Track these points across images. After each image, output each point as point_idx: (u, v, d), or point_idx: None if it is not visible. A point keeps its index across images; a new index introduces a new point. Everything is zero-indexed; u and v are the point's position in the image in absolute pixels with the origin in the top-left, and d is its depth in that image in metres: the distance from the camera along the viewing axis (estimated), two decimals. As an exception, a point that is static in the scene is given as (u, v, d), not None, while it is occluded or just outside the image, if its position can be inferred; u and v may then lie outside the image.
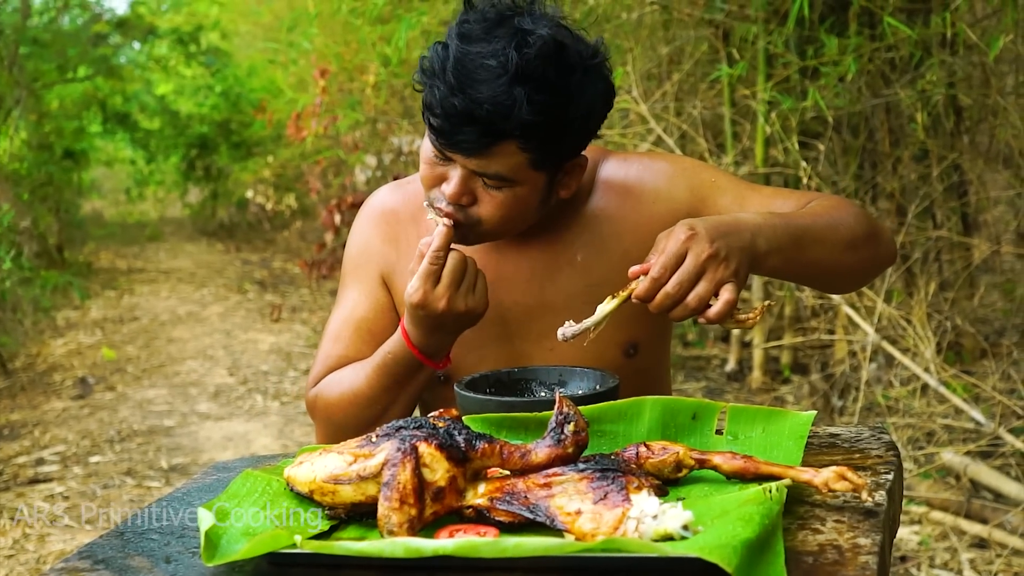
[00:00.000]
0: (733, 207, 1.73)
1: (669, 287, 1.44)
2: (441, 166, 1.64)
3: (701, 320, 1.45)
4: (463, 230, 1.66)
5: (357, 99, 6.95)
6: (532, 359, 1.78)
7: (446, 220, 1.57)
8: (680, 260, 1.44)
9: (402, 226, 1.86)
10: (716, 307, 1.44)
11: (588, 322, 1.48)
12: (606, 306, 1.48)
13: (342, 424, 1.76)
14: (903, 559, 3.55)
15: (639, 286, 1.46)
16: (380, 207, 1.91)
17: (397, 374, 1.69)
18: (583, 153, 1.71)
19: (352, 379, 1.75)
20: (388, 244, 1.87)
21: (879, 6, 4.11)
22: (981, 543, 3.57)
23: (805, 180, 4.28)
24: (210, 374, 6.69)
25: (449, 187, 1.63)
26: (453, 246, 1.62)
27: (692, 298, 1.44)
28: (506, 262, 1.79)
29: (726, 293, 1.44)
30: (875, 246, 1.70)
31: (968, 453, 3.85)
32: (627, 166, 1.81)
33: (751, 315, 1.46)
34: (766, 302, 1.53)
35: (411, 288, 1.58)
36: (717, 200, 1.76)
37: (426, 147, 1.66)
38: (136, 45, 14.53)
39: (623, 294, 1.47)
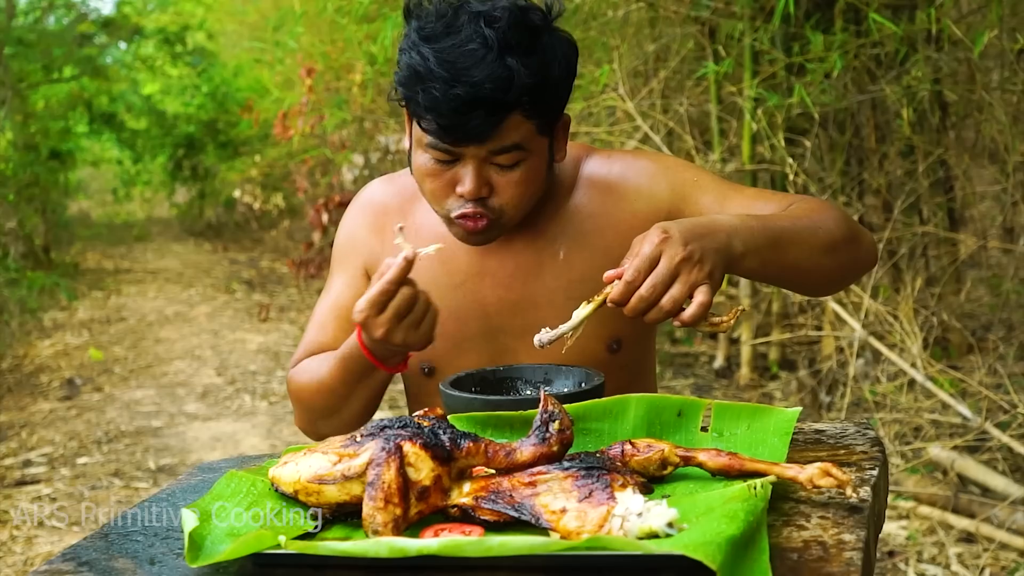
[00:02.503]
0: (714, 207, 1.74)
1: (643, 290, 1.43)
2: (448, 171, 1.65)
3: (676, 323, 1.44)
4: (490, 229, 1.69)
5: (344, 98, 6.94)
6: (516, 354, 1.78)
7: (409, 252, 1.51)
8: (654, 263, 1.44)
9: (389, 218, 1.87)
10: (690, 310, 1.43)
11: (564, 328, 1.47)
12: (581, 311, 1.47)
13: (310, 407, 1.82)
14: (891, 554, 3.56)
15: (613, 290, 1.46)
16: (369, 199, 1.92)
17: (354, 370, 1.69)
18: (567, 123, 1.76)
19: (319, 367, 1.78)
20: (374, 235, 1.88)
21: (864, 2, 4.12)
22: (969, 537, 3.58)
23: (792, 176, 4.28)
24: (198, 374, 6.68)
25: (467, 184, 1.63)
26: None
27: (666, 300, 1.43)
28: (490, 257, 1.80)
29: (700, 295, 1.43)
30: (855, 249, 1.70)
31: (955, 448, 3.86)
32: (610, 163, 1.82)
33: (725, 319, 1.46)
34: (739, 307, 1.53)
35: (357, 307, 1.55)
36: (699, 199, 1.76)
37: (423, 161, 1.67)
38: (122, 45, 14.50)
39: (598, 299, 1.47)
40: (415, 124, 1.65)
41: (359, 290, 1.84)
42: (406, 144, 1.76)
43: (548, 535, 1.14)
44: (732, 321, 1.47)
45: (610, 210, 1.79)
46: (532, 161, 1.66)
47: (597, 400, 1.45)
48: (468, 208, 1.65)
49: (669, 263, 1.43)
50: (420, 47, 1.58)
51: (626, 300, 1.45)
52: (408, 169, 1.84)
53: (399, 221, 1.83)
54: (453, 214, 1.67)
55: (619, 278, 1.45)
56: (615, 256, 1.57)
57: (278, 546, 1.13)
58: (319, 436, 1.80)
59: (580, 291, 1.71)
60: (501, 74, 1.55)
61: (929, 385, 3.87)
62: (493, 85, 1.55)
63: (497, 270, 1.79)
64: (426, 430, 1.21)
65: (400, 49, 1.63)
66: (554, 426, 1.24)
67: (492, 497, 1.19)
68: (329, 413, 1.78)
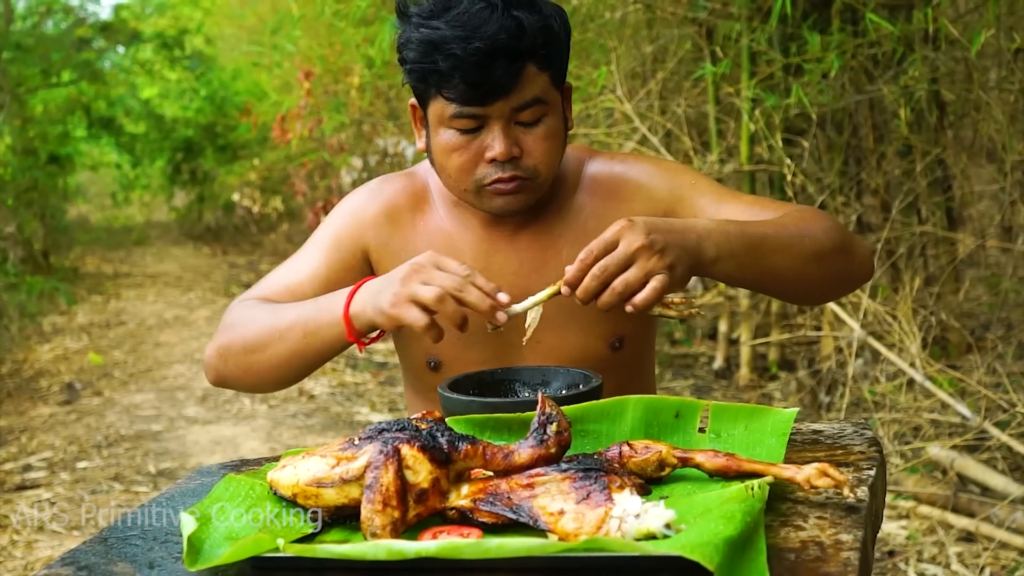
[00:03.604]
0: (710, 209, 1.76)
1: (594, 269, 1.45)
2: (474, 141, 1.68)
3: (628, 308, 1.45)
4: (524, 191, 1.71)
5: (342, 101, 6.94)
6: (520, 351, 1.79)
7: (503, 317, 1.49)
8: (611, 247, 1.46)
9: (401, 212, 1.88)
10: (642, 293, 1.44)
11: (517, 307, 1.49)
12: (540, 295, 1.50)
13: (241, 339, 1.73)
14: (891, 554, 3.56)
15: (567, 273, 1.47)
16: (381, 187, 1.92)
17: (316, 324, 1.63)
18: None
19: (276, 308, 1.73)
20: (385, 221, 1.87)
21: (861, 3, 4.12)
22: (968, 537, 3.58)
23: (790, 177, 4.28)
24: (197, 378, 6.67)
25: (497, 146, 1.67)
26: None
27: (619, 282, 1.44)
28: (496, 254, 1.82)
29: (654, 282, 1.44)
30: (845, 261, 1.70)
31: (955, 447, 3.86)
32: (612, 164, 1.86)
33: (677, 300, 1.47)
34: (695, 302, 1.53)
35: (429, 256, 1.51)
36: (695, 201, 1.79)
37: (447, 138, 1.70)
38: (120, 49, 14.50)
39: (556, 284, 1.48)
40: (436, 101, 1.68)
41: (345, 267, 1.84)
42: (420, 144, 1.80)
43: (546, 537, 1.14)
44: (689, 311, 1.47)
45: (611, 210, 1.81)
46: (552, 118, 1.71)
47: (595, 402, 1.45)
48: (502, 172, 1.69)
49: (626, 248, 1.45)
50: (428, 23, 1.63)
51: (578, 282, 1.46)
52: (413, 168, 1.90)
53: (408, 215, 1.87)
54: (486, 181, 1.70)
55: None
56: None
57: (276, 549, 1.13)
58: (225, 372, 1.76)
59: None
60: (512, 25, 1.61)
61: (928, 385, 3.87)
62: (507, 35, 1.61)
63: (503, 266, 1.81)
64: (424, 433, 1.21)
65: (403, 41, 1.68)
66: (552, 428, 1.24)
67: (490, 499, 1.19)
68: (256, 352, 1.71)
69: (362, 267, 1.86)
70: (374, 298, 1.53)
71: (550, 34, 1.66)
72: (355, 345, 1.63)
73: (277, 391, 1.93)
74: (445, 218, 1.85)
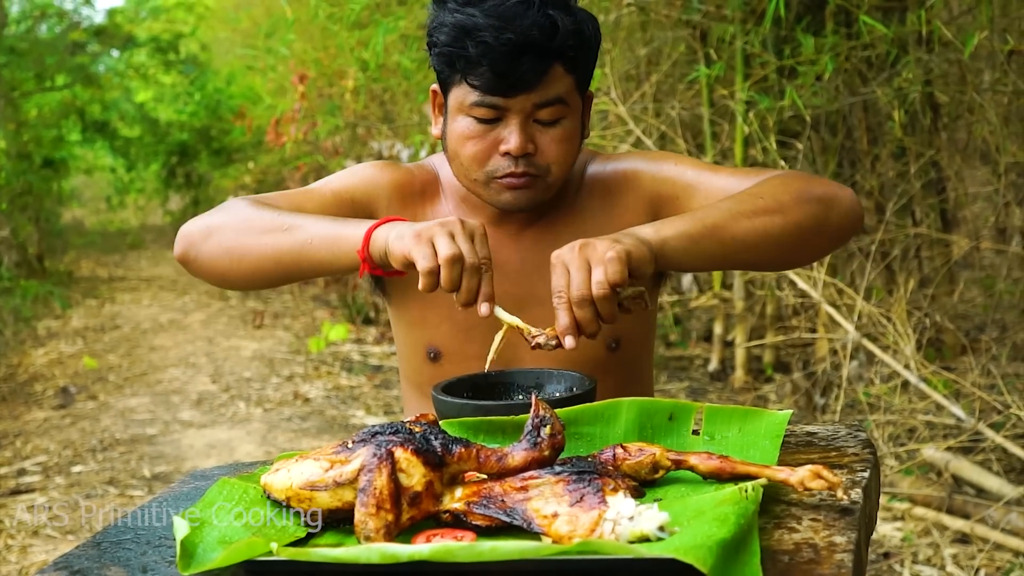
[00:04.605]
0: (694, 183, 1.80)
1: (573, 299, 1.46)
2: (491, 132, 1.69)
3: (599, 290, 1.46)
4: (534, 187, 1.73)
5: (336, 104, 6.95)
6: (517, 348, 1.79)
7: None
8: (565, 273, 1.48)
9: (412, 195, 1.88)
10: (609, 267, 1.45)
11: (502, 313, 1.51)
12: (518, 321, 1.52)
13: (239, 219, 1.70)
14: (886, 555, 3.56)
15: (557, 321, 1.48)
16: (393, 166, 1.91)
17: (335, 231, 1.62)
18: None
19: (286, 211, 1.70)
20: (396, 196, 1.87)
21: (855, 5, 4.12)
22: (963, 538, 3.58)
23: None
24: (192, 382, 6.67)
25: (512, 141, 1.68)
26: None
27: (595, 284, 1.45)
28: (500, 250, 1.82)
29: (611, 255, 1.45)
30: (816, 211, 1.67)
31: (949, 449, 3.86)
32: (605, 164, 1.89)
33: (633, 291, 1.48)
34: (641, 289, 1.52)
35: (450, 223, 1.51)
36: (678, 179, 1.82)
37: (465, 125, 1.71)
38: (115, 53, 14.50)
39: (527, 327, 1.51)
40: (459, 87, 1.69)
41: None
42: (435, 131, 1.81)
43: (540, 540, 1.14)
44: (635, 291, 1.48)
45: (609, 210, 1.84)
46: (571, 121, 1.73)
47: (588, 404, 1.45)
48: (515, 167, 1.70)
49: (572, 258, 1.48)
50: (463, 9, 1.64)
51: (574, 325, 1.47)
52: (420, 162, 1.91)
53: (419, 200, 1.88)
54: (498, 174, 1.71)
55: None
56: None
57: (270, 553, 1.13)
58: (201, 247, 1.72)
59: None
60: (546, 22, 1.63)
61: (923, 386, 3.87)
62: (540, 32, 1.62)
63: (505, 264, 1.81)
64: (417, 436, 1.21)
65: (436, 24, 1.69)
66: (545, 431, 1.24)
67: (484, 502, 1.19)
68: (249, 232, 1.68)
69: None
70: (398, 230, 1.53)
71: (581, 38, 1.68)
72: (356, 272, 1.61)
73: (235, 290, 1.88)
74: (452, 211, 1.86)
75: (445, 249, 1.46)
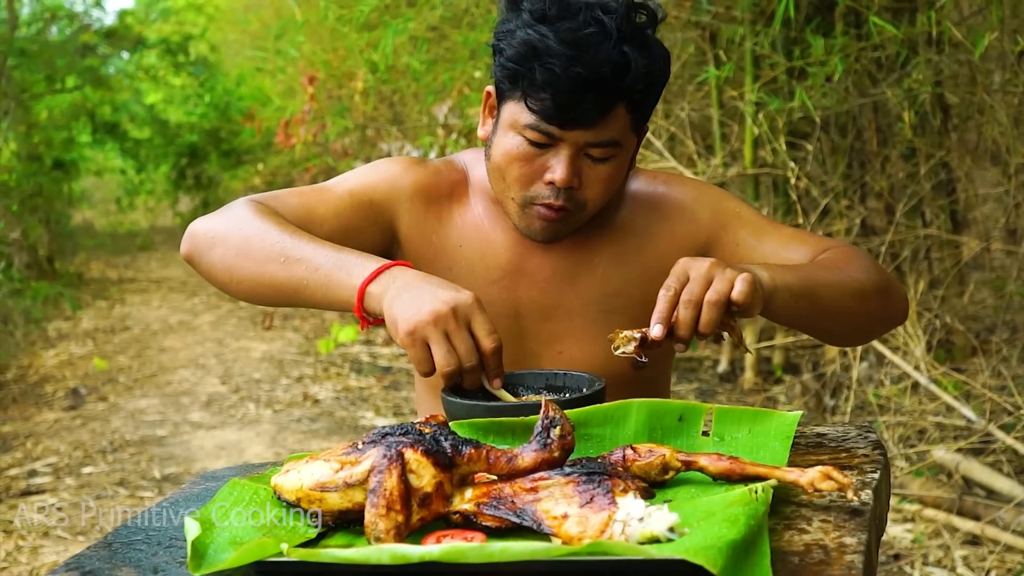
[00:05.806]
0: (751, 239, 1.76)
1: (684, 297, 1.44)
2: (539, 157, 1.65)
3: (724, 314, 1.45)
4: (565, 221, 1.69)
5: (346, 106, 6.95)
6: (540, 360, 1.78)
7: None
8: (684, 280, 1.45)
9: (438, 196, 1.83)
10: (737, 287, 1.43)
11: (506, 395, 1.52)
12: (626, 347, 1.49)
13: (241, 236, 1.63)
14: (896, 557, 3.56)
15: (654, 313, 1.46)
16: (417, 164, 1.85)
17: (332, 275, 1.53)
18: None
19: (292, 231, 1.61)
20: (420, 197, 1.81)
21: (864, 6, 4.12)
22: (974, 540, 3.57)
23: (793, 180, 4.29)
24: (202, 383, 6.68)
25: (560, 172, 1.63)
26: None
27: (712, 293, 1.43)
28: (530, 258, 1.79)
29: (740, 282, 1.44)
30: (885, 300, 1.69)
31: (959, 450, 3.86)
32: (655, 183, 1.84)
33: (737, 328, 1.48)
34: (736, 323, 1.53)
35: (460, 293, 1.45)
36: (737, 229, 1.78)
37: (514, 144, 1.65)
38: (125, 55, 14.53)
39: (633, 336, 1.49)
40: (516, 104, 1.64)
41: (371, 222, 1.77)
42: (482, 132, 1.75)
43: (550, 541, 1.14)
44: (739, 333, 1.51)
45: (651, 229, 1.80)
46: (621, 159, 1.69)
47: (598, 405, 1.45)
48: (555, 199, 1.65)
49: (700, 270, 1.45)
50: (536, 26, 1.58)
51: (668, 318, 1.44)
52: (448, 158, 1.87)
53: (446, 203, 1.82)
54: (537, 201, 1.67)
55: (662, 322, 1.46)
56: (653, 274, 1.60)
57: (280, 554, 1.13)
58: (205, 255, 1.67)
59: (613, 304, 1.75)
60: (619, 60, 1.57)
61: (933, 388, 3.87)
62: (611, 70, 1.57)
63: (535, 272, 1.79)
64: (428, 437, 1.21)
65: (505, 31, 1.63)
66: (555, 432, 1.24)
67: (494, 503, 1.19)
68: (248, 256, 1.61)
69: (385, 233, 1.79)
70: (396, 298, 1.46)
71: (651, 79, 1.62)
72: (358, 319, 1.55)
73: (238, 300, 1.86)
74: (483, 214, 1.81)
75: (442, 361, 1.43)
